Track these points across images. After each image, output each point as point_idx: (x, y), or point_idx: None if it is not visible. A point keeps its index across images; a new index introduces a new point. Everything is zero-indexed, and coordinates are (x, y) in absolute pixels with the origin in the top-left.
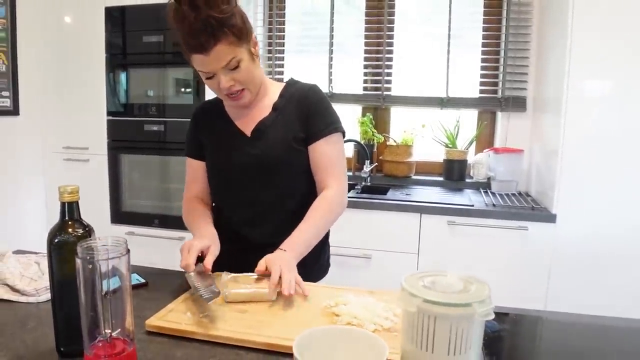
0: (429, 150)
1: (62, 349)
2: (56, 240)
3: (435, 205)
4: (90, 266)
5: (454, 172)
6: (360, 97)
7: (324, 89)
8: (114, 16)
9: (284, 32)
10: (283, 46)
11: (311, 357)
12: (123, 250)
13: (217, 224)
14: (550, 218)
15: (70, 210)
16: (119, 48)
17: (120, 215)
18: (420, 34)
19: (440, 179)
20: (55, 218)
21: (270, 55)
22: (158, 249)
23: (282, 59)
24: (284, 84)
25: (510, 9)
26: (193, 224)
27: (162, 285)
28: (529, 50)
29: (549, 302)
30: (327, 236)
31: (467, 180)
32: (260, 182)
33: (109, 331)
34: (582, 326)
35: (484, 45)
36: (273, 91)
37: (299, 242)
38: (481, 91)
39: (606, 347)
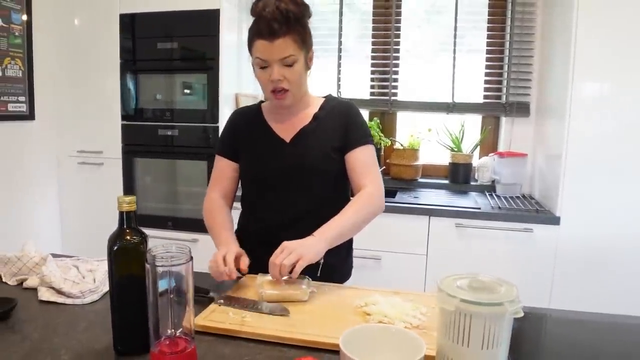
0: (434, 153)
1: (119, 348)
2: (116, 247)
3: (443, 208)
4: (158, 272)
5: (459, 175)
6: (368, 102)
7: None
8: (128, 23)
9: None
10: None
11: (356, 351)
12: (187, 257)
13: (249, 227)
14: (555, 220)
15: (128, 219)
16: (134, 54)
17: None
18: (426, 40)
19: (446, 181)
20: (69, 220)
21: None
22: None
23: None
24: (324, 98)
25: (515, 17)
26: (215, 228)
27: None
28: (532, 57)
29: (553, 302)
30: (351, 241)
31: (472, 183)
32: (296, 187)
33: (173, 330)
34: (595, 324)
35: (488, 52)
36: (314, 103)
37: (331, 229)
38: (485, 97)
39: (619, 343)
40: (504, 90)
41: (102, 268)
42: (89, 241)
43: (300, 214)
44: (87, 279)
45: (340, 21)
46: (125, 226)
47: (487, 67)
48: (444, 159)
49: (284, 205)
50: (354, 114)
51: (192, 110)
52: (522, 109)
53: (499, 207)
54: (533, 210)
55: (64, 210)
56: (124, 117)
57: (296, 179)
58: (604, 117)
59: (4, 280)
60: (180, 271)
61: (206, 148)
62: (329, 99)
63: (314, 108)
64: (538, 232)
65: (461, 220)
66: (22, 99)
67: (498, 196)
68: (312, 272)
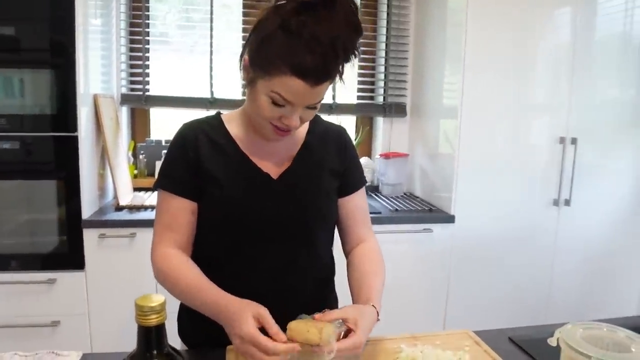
0: None
1: None
2: None
3: None
4: None
5: None
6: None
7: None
8: None
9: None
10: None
11: None
12: None
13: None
14: (450, 219)
15: (158, 337)
16: None
17: None
18: None
19: None
20: None
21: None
22: (21, 297)
23: (148, 50)
24: None
25: (391, 19)
26: (199, 293)
27: None
28: (407, 60)
29: (450, 298)
30: None
31: None
32: (287, 241)
33: None
34: None
35: (362, 52)
36: None
37: (379, 299)
38: (359, 97)
39: None
40: (382, 91)
41: None
42: None
43: (297, 276)
44: None
45: (212, 19)
46: (155, 350)
47: (361, 67)
48: None
49: (274, 264)
50: (351, 144)
51: (37, 117)
52: (399, 109)
53: (397, 210)
54: (427, 210)
55: None
56: None
57: (291, 228)
58: (490, 117)
59: None
60: None
61: (58, 164)
62: (316, 120)
63: (299, 130)
64: (437, 232)
65: None
66: None
67: (385, 197)
68: None
